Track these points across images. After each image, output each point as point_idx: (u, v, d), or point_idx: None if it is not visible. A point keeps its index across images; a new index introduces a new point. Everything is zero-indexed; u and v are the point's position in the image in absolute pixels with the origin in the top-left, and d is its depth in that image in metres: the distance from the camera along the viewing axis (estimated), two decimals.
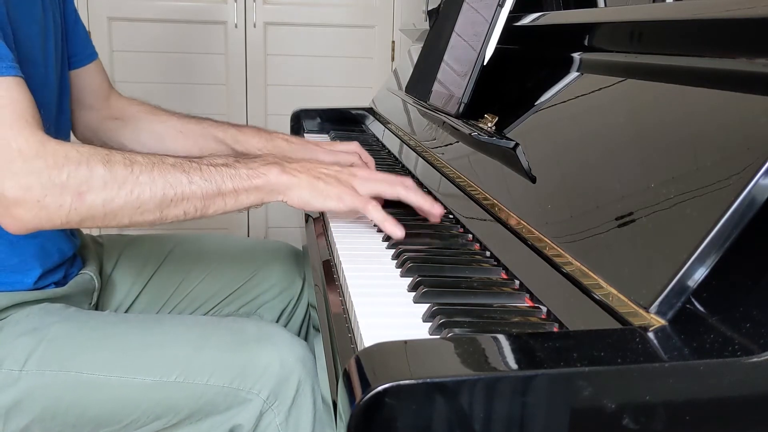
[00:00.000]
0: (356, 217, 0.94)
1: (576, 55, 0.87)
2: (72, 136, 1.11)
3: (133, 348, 0.89)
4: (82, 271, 1.03)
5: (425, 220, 0.91)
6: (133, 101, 1.19)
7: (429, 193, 1.04)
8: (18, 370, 0.86)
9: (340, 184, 0.85)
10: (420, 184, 1.09)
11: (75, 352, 0.87)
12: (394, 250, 0.80)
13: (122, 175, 0.77)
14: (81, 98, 1.13)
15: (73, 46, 1.09)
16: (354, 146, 1.14)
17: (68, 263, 1.01)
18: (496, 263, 0.74)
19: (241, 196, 0.83)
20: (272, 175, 0.83)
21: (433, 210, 0.89)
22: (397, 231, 0.82)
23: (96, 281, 1.05)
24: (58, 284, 0.98)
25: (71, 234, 1.02)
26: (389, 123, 1.49)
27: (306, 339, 1.14)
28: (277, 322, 1.15)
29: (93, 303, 1.05)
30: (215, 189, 0.81)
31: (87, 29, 1.24)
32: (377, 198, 0.88)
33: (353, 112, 1.71)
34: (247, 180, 0.82)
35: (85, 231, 1.10)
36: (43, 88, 0.95)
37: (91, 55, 1.13)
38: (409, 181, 0.90)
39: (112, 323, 0.94)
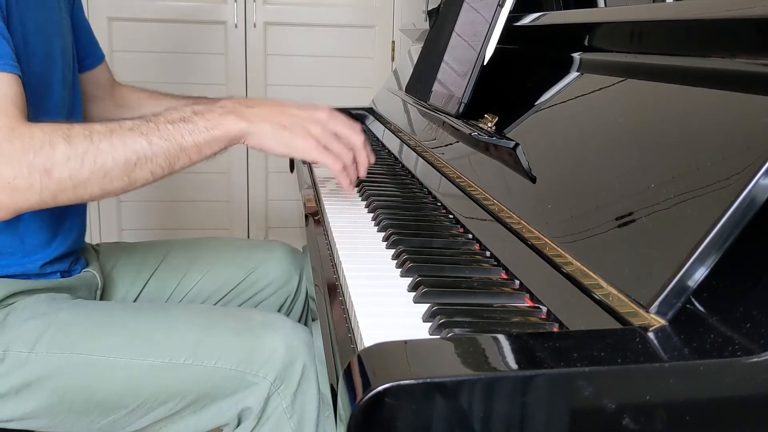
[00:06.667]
0: (355, 217, 0.94)
1: (576, 55, 0.87)
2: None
3: (142, 331, 0.89)
4: (85, 270, 1.04)
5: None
6: (133, 89, 1.25)
7: (429, 193, 1.04)
8: (27, 352, 0.86)
9: (308, 137, 0.89)
10: (420, 184, 1.10)
11: (84, 335, 0.88)
12: (394, 250, 0.80)
13: (83, 147, 0.79)
14: (93, 93, 1.18)
15: (87, 48, 1.15)
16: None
17: (73, 259, 1.02)
18: (496, 263, 0.74)
19: (204, 149, 0.85)
20: (230, 124, 0.85)
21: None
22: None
23: (99, 279, 1.06)
24: (63, 275, 0.99)
25: (76, 230, 1.02)
26: (389, 123, 1.49)
27: None
28: None
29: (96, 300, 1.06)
30: (177, 147, 0.83)
31: None
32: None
33: (353, 112, 1.71)
34: (206, 132, 0.84)
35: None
36: (63, 85, 0.98)
37: (101, 56, 1.19)
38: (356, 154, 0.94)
39: (120, 309, 0.95)
